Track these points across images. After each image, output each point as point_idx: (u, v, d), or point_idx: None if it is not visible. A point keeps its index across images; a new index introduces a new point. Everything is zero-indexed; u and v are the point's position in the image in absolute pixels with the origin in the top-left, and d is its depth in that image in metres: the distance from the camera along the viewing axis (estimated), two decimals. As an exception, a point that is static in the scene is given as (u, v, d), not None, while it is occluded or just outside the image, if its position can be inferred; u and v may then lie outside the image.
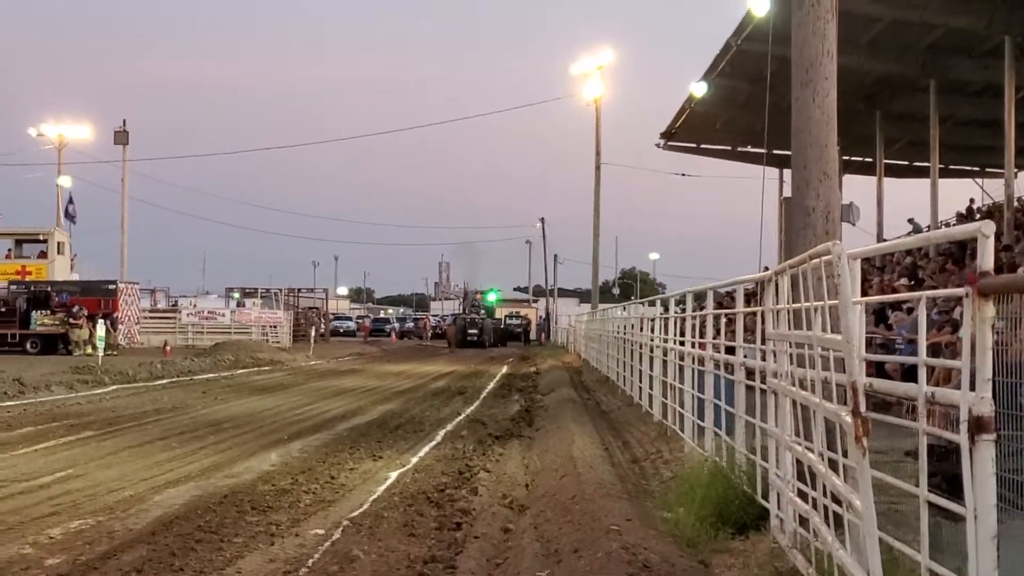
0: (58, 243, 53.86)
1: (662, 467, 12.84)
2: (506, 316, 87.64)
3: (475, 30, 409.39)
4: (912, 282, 22.57)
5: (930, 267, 24.66)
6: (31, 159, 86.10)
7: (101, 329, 36.28)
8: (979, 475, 3.97)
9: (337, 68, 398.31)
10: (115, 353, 40.90)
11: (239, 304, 67.25)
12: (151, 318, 59.33)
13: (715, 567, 7.60)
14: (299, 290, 78.20)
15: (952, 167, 41.71)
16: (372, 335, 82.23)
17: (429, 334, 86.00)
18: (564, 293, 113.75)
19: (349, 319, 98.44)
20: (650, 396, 17.77)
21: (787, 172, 10.49)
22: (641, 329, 20.39)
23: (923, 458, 4.55)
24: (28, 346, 44.16)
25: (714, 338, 12.05)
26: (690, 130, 41.27)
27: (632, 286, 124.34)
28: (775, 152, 31.61)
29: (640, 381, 19.53)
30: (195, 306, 63.21)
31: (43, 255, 53.15)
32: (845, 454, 5.07)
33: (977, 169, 43.25)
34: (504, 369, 40.64)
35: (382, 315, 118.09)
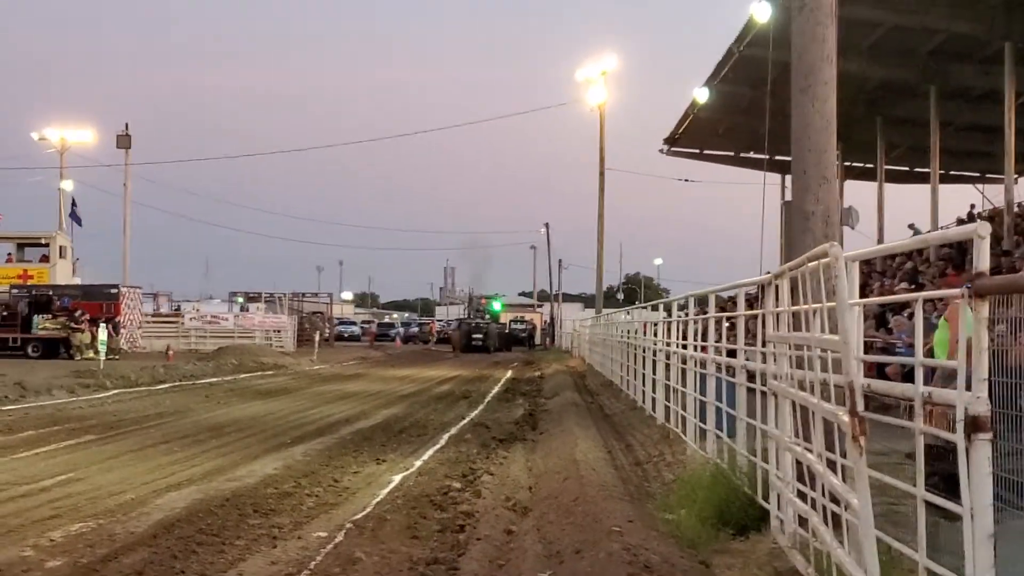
0: (60, 247, 53.93)
1: (664, 470, 12.86)
2: (511, 321, 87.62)
3: (481, 36, 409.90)
4: (913, 287, 22.57)
5: (930, 272, 24.69)
6: (33, 163, 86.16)
7: (103, 333, 36.28)
8: (975, 474, 4.00)
9: (341, 72, 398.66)
10: (117, 357, 40.93)
11: (243, 308, 67.35)
12: (154, 322, 59.40)
13: (716, 567, 7.62)
14: (303, 295, 78.26)
15: (953, 173, 41.68)
16: (377, 340, 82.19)
17: (434, 339, 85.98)
18: (568, 298, 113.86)
19: (353, 324, 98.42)
20: (653, 400, 17.81)
21: (789, 177, 10.51)
22: (644, 333, 20.43)
23: (920, 458, 4.58)
24: (30, 350, 44.16)
25: (716, 341, 12.09)
26: (693, 136, 41.31)
27: (636, 291, 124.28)
28: (777, 158, 31.64)
29: (643, 385, 19.56)
30: (198, 310, 63.27)
31: (45, 259, 53.22)
32: (843, 454, 5.10)
33: (978, 175, 43.20)
34: (508, 374, 40.67)
35: (386, 320, 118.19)
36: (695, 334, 13.88)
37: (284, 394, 28.01)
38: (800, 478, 6.51)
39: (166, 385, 30.07)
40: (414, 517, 10.45)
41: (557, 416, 20.59)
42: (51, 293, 47.40)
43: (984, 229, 4.00)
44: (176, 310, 65.70)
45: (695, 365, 13.17)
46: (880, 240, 36.40)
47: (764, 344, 8.26)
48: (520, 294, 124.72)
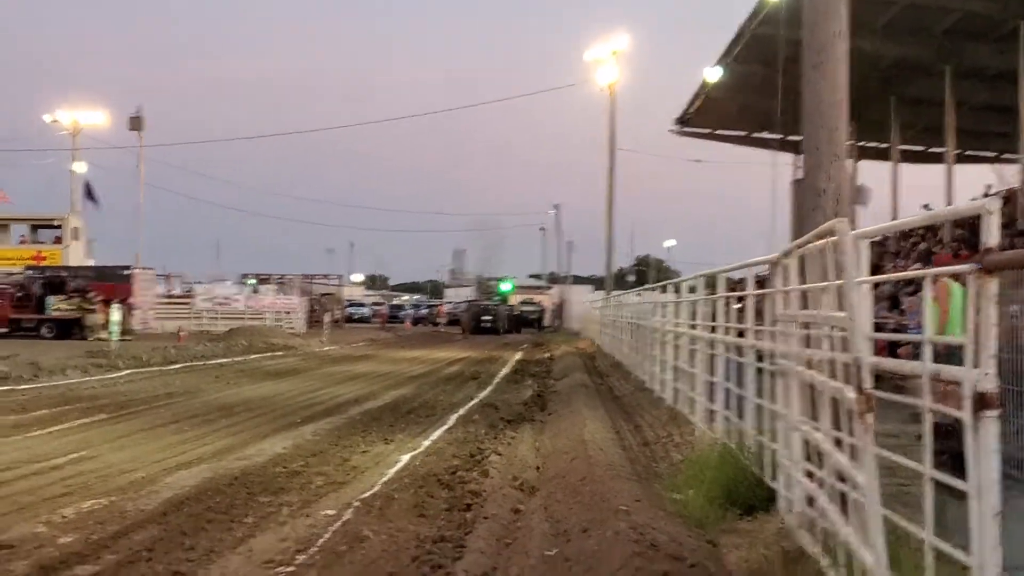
0: (73, 228, 54.12)
1: (672, 450, 12.84)
2: (520, 303, 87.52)
3: (492, 17, 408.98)
4: (926, 267, 22.51)
5: (943, 252, 24.60)
6: (46, 145, 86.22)
7: (116, 314, 36.41)
8: (982, 451, 3.98)
9: (351, 54, 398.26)
10: (129, 338, 41.10)
11: (254, 290, 67.44)
12: (166, 304, 59.59)
13: (723, 547, 7.61)
14: (314, 276, 78.32)
15: (968, 153, 41.49)
16: (388, 322, 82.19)
17: (444, 320, 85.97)
18: (579, 280, 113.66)
19: (363, 305, 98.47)
20: (662, 381, 17.79)
21: (801, 157, 10.45)
22: (653, 314, 20.40)
23: (928, 436, 4.55)
24: (44, 331, 44.38)
25: (725, 322, 12.05)
26: (705, 115, 41.16)
27: (647, 273, 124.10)
28: (789, 138, 31.53)
29: (652, 366, 19.54)
30: (210, 292, 63.36)
31: (58, 240, 53.41)
32: (851, 433, 5.07)
33: (993, 155, 42.98)
34: (518, 355, 40.66)
35: (396, 302, 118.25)
36: (704, 315, 13.85)
37: (294, 375, 28.07)
38: (808, 458, 6.50)
39: (177, 365, 30.14)
40: (421, 496, 10.46)
41: (566, 397, 20.58)
42: (65, 274, 47.61)
43: (993, 205, 3.97)
44: (188, 291, 65.79)
45: (704, 345, 13.14)
46: (894, 220, 36.28)
47: (773, 323, 8.23)
48: (530, 276, 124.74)
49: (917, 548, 5.07)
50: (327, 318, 57.58)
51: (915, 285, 16.14)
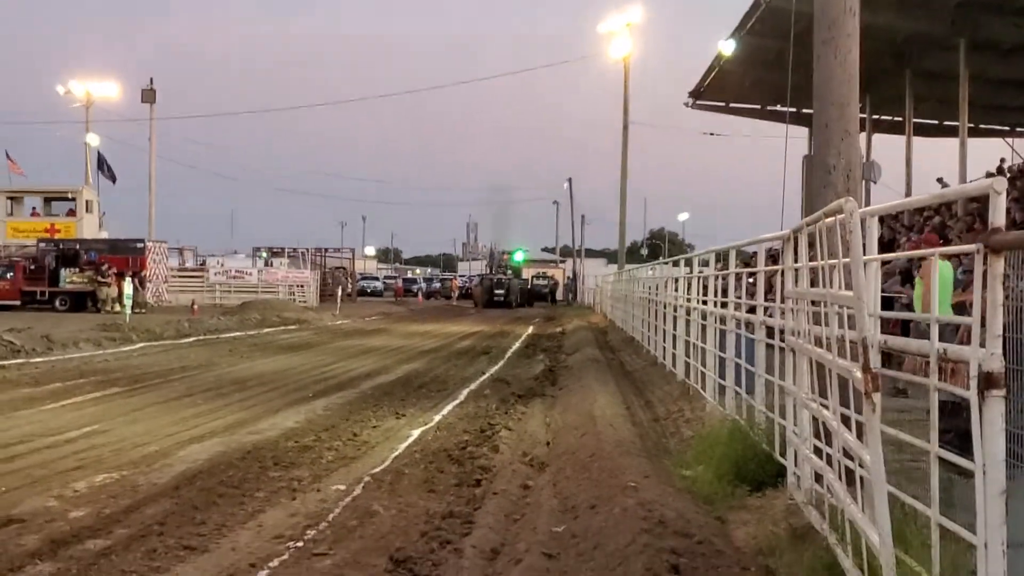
0: (87, 201, 54.14)
1: (683, 426, 12.87)
2: (533, 276, 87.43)
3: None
4: (941, 241, 22.43)
5: (958, 227, 24.49)
6: (59, 118, 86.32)
7: (129, 287, 36.50)
8: (988, 430, 3.97)
9: (366, 27, 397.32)
10: (143, 311, 41.23)
11: (267, 263, 67.48)
12: (179, 277, 59.71)
13: (731, 523, 7.65)
14: (326, 250, 78.30)
15: (982, 126, 41.24)
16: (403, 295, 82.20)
17: (456, 294, 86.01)
18: (591, 254, 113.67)
19: (376, 279, 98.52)
20: (673, 356, 17.79)
21: (814, 131, 10.42)
22: (665, 289, 20.39)
23: (934, 414, 4.55)
24: (57, 303, 44.46)
25: (736, 297, 12.05)
26: (719, 89, 40.88)
27: (660, 247, 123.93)
28: (804, 111, 31.35)
29: (664, 341, 19.55)
30: (223, 265, 63.45)
31: (72, 213, 53.45)
32: (859, 410, 5.08)
33: (1007, 129, 42.75)
34: (530, 329, 40.69)
35: (409, 275, 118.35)
36: (715, 290, 13.84)
37: (307, 349, 28.15)
38: (817, 434, 6.50)
39: (190, 339, 30.25)
40: (432, 471, 10.51)
41: (577, 372, 20.61)
42: (78, 247, 47.62)
43: (1000, 184, 3.95)
44: (201, 265, 65.86)
45: (715, 321, 13.14)
46: (908, 194, 36.13)
47: (783, 300, 8.23)
48: (543, 250, 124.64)
49: (924, 525, 5.08)
50: (340, 291, 57.63)
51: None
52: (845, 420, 5.45)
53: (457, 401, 16.58)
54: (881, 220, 26.31)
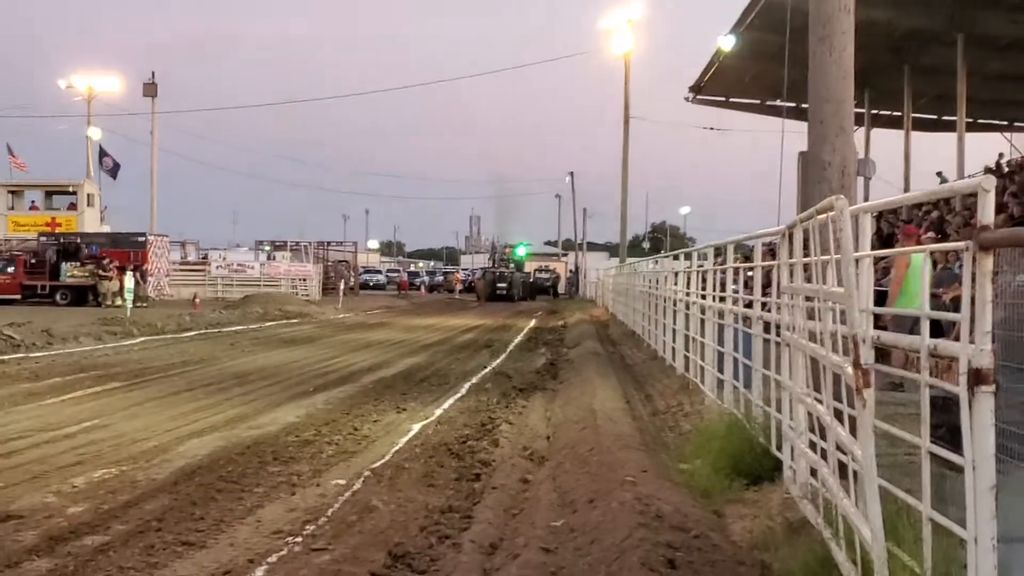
0: (88, 195, 54.21)
1: (682, 420, 12.90)
2: (535, 270, 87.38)
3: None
4: (939, 236, 22.41)
5: (956, 221, 24.49)
6: (60, 111, 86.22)
7: (130, 281, 36.51)
8: (978, 426, 4.00)
9: (369, 21, 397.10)
10: (144, 305, 41.27)
11: (269, 257, 67.55)
12: (181, 270, 59.78)
13: (728, 517, 7.69)
14: (329, 243, 78.33)
15: (980, 121, 41.25)
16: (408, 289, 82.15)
17: (459, 288, 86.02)
18: (594, 247, 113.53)
19: (379, 272, 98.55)
20: (673, 350, 17.83)
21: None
22: (664, 283, 20.42)
23: (925, 409, 4.58)
24: (58, 297, 44.55)
25: (734, 292, 12.08)
26: (719, 84, 40.87)
27: (662, 240, 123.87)
28: (803, 107, 31.37)
29: (664, 335, 19.59)
30: (225, 259, 63.54)
31: (73, 207, 53.52)
32: (851, 405, 5.11)
33: (1006, 123, 42.77)
34: (532, 323, 40.71)
35: (412, 269, 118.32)
36: (714, 285, 13.88)
37: (308, 342, 28.19)
38: (812, 429, 6.53)
39: (192, 333, 30.29)
40: (431, 466, 10.54)
41: (578, 366, 20.64)
42: (79, 241, 47.72)
43: (988, 183, 3.98)
44: (203, 258, 65.97)
45: (714, 315, 13.17)
46: (906, 189, 36.13)
47: (779, 295, 8.26)
48: (546, 243, 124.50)
49: (917, 520, 5.11)
50: (342, 285, 57.66)
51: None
52: (838, 415, 5.48)
53: (458, 395, 16.61)
54: (880, 216, 26.30)
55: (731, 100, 43.80)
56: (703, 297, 14.45)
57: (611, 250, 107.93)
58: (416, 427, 13.19)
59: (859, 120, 38.03)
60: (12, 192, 54.47)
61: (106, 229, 53.65)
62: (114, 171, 60.74)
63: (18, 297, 43.77)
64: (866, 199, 14.98)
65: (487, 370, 20.94)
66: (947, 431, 5.14)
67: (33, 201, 54.45)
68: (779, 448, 8.27)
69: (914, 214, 27.62)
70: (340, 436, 12.35)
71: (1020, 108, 40.10)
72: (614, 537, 6.74)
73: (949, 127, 37.72)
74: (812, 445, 6.56)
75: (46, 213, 53.39)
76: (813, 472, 6.69)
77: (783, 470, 7.91)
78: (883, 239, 23.43)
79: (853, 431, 5.07)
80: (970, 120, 34.03)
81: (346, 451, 11.44)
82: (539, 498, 8.85)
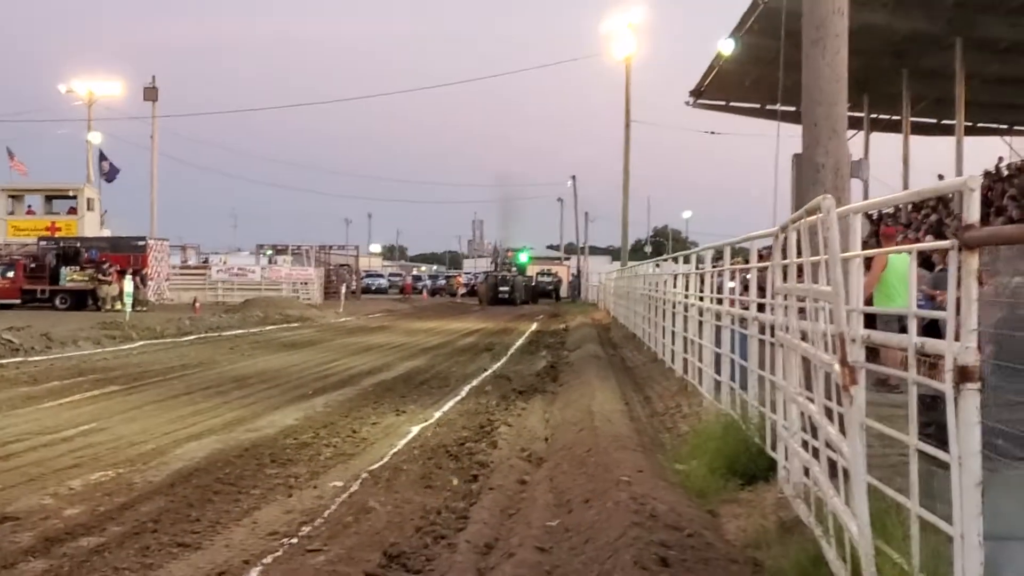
0: (88, 199, 54.22)
1: (680, 421, 12.92)
2: (537, 273, 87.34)
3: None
4: (938, 239, 22.44)
5: (954, 224, 24.53)
6: (61, 116, 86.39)
7: (130, 285, 36.54)
8: (963, 423, 4.03)
9: (369, 24, 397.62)
10: (144, 309, 41.30)
11: (270, 261, 67.59)
12: (181, 275, 59.78)
13: (722, 516, 7.72)
14: (331, 247, 78.32)
15: (979, 125, 41.34)
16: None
17: (461, 291, 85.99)
18: (596, 251, 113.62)
19: (381, 276, 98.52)
20: (672, 352, 17.87)
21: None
22: (663, 286, 20.46)
23: (912, 407, 4.61)
24: (57, 302, 44.58)
25: (730, 293, 12.12)
26: (719, 88, 41.01)
27: (664, 244, 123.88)
28: (800, 111, 31.42)
29: (663, 337, 19.62)
30: (225, 263, 63.58)
31: (73, 211, 53.54)
32: (841, 403, 5.14)
33: (1005, 127, 42.83)
34: (533, 326, 40.72)
35: (414, 273, 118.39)
36: (711, 287, 13.90)
37: (309, 346, 28.21)
38: (805, 428, 6.56)
39: (192, 337, 30.29)
40: (430, 467, 10.56)
41: (578, 368, 20.66)
42: (79, 245, 47.75)
43: (974, 182, 4.01)
44: (204, 262, 65.98)
45: (711, 317, 13.21)
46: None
47: (773, 296, 8.30)
48: (548, 247, 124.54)
49: (906, 517, 5.13)
50: (344, 289, 57.67)
51: (921, 257, 16.14)
52: (829, 413, 5.51)
53: (458, 398, 16.63)
54: (879, 218, 26.30)
55: (731, 104, 43.95)
56: (701, 299, 14.48)
57: (613, 254, 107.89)
58: (415, 429, 13.21)
59: (859, 124, 38.11)
60: (12, 196, 54.48)
61: (106, 233, 53.65)
62: (111, 175, 60.75)
63: (18, 301, 43.81)
64: (864, 200, 14.99)
65: (487, 373, 20.96)
66: (936, 429, 5.17)
67: (30, 206, 54.45)
68: (774, 448, 8.30)
69: (913, 216, 27.69)
70: (338, 439, 12.37)
71: (1019, 112, 40.17)
72: (608, 536, 6.78)
73: (948, 131, 37.83)
74: (805, 444, 6.59)
75: (46, 217, 53.42)
76: (806, 471, 6.72)
77: (777, 470, 7.94)
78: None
79: (843, 429, 5.10)
80: (969, 124, 34.11)
81: (344, 453, 11.45)
82: (535, 499, 8.87)
